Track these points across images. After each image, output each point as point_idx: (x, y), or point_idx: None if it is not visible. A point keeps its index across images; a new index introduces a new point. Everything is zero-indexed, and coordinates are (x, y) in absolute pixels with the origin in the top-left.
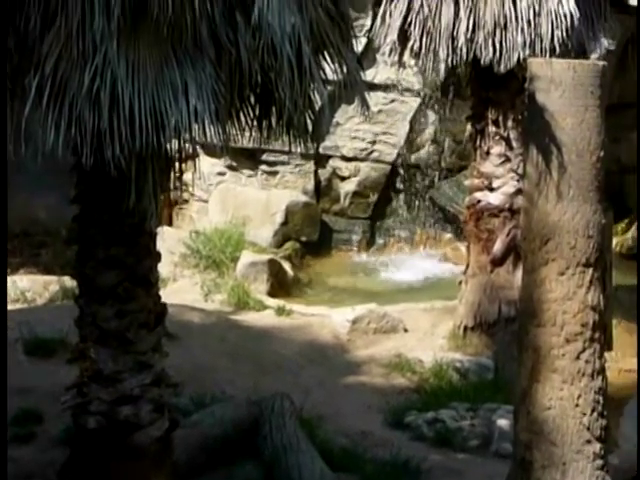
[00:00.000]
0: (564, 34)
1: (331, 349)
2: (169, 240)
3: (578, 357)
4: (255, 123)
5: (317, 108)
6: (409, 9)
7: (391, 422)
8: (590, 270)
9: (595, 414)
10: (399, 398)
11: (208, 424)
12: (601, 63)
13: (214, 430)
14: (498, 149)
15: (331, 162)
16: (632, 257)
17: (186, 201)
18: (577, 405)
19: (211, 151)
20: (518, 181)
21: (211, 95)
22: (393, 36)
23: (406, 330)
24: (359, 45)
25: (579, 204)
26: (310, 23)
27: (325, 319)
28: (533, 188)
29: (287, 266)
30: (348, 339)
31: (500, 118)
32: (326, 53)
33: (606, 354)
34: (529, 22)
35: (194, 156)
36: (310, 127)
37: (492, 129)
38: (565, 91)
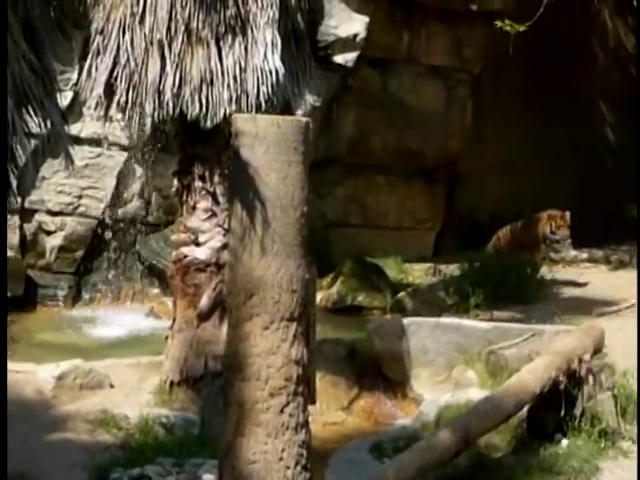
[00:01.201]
0: (270, 90)
1: (36, 406)
2: None
3: (282, 411)
4: None
5: (21, 162)
6: (115, 63)
7: (96, 479)
8: (294, 324)
9: (299, 467)
10: (104, 455)
11: None
12: (305, 119)
13: None
14: (204, 204)
15: (37, 216)
16: (337, 311)
17: None
18: (281, 459)
19: None
20: (224, 236)
21: None
22: (99, 90)
23: (112, 386)
24: (65, 99)
25: (283, 259)
26: (12, 76)
27: (30, 375)
28: (238, 243)
29: None
30: (53, 395)
31: (206, 173)
32: (29, 107)
33: (310, 407)
34: (235, 78)
35: None
36: (14, 181)
37: (198, 184)
38: (269, 147)
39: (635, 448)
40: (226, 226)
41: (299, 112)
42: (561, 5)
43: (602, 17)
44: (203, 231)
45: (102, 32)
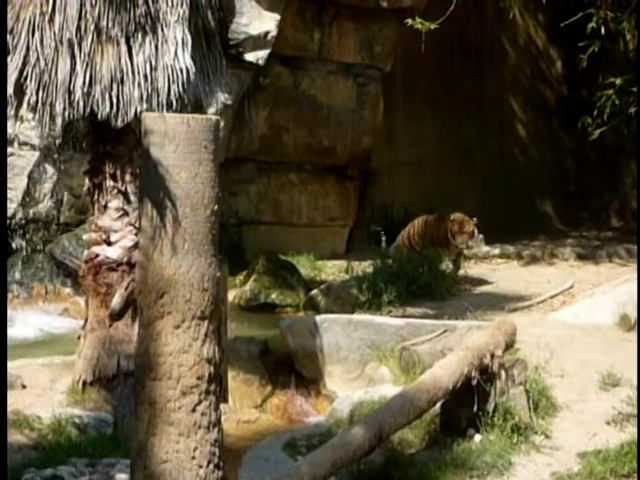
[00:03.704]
0: (180, 89)
1: None
2: None
3: (194, 409)
4: None
5: None
6: (25, 62)
7: None
8: (205, 323)
9: (211, 466)
10: (17, 456)
11: None
12: (214, 117)
13: None
14: (116, 203)
15: None
16: (250, 309)
17: None
18: (193, 457)
19: None
20: (136, 235)
21: None
22: (9, 90)
23: (24, 386)
24: None
25: (194, 257)
26: None
27: None
28: (148, 242)
29: None
30: None
31: (118, 172)
32: None
33: (223, 406)
34: (146, 76)
35: None
36: None
37: (110, 183)
38: (179, 145)
39: (547, 442)
40: (138, 225)
41: (210, 110)
42: (472, 3)
43: (512, 14)
44: (115, 230)
45: (12, 32)
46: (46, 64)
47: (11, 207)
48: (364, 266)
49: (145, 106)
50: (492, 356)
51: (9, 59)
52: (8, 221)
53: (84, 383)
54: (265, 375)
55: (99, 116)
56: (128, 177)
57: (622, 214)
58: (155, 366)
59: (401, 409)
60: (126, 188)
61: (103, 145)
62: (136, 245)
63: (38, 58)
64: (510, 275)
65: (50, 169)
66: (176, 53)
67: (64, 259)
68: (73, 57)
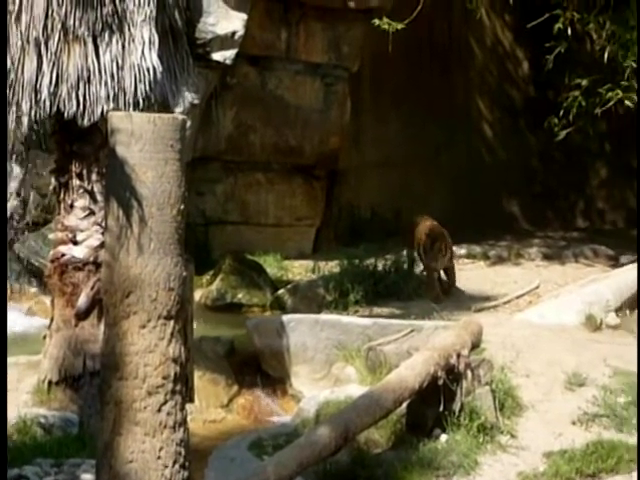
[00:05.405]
0: (147, 88)
1: None
2: None
3: (160, 409)
4: None
5: None
6: None
7: None
8: (171, 322)
9: (177, 466)
10: None
11: None
12: (181, 117)
13: None
14: (82, 202)
15: None
16: (216, 309)
17: None
18: (159, 457)
19: None
20: (102, 234)
21: None
22: None
23: None
24: None
25: (160, 257)
26: None
27: None
28: (114, 241)
29: None
30: None
31: (84, 171)
32: None
33: (189, 406)
34: (112, 76)
35: None
36: None
37: (76, 182)
38: (145, 144)
39: (513, 442)
40: (104, 224)
41: (177, 110)
42: (439, 3)
43: (479, 14)
44: (81, 230)
45: None
46: (12, 63)
47: None
48: (331, 266)
49: (112, 105)
50: (458, 356)
51: None
52: None
53: (50, 383)
54: (231, 375)
55: (66, 115)
56: (94, 176)
57: (588, 214)
58: (121, 366)
59: (367, 409)
60: (92, 187)
61: (69, 144)
62: (102, 244)
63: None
64: (476, 275)
65: (16, 168)
66: (143, 52)
67: (30, 258)
68: (40, 56)
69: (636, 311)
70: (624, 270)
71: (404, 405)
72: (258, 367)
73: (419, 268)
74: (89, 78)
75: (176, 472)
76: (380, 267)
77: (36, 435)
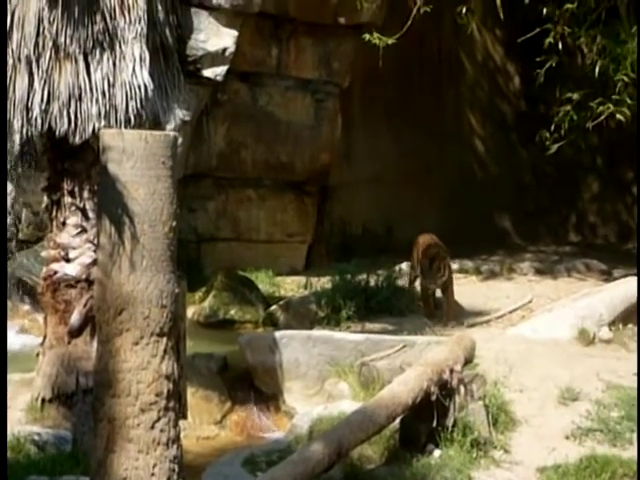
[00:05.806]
0: (139, 105)
1: None
2: None
3: (153, 426)
4: None
5: None
6: None
7: None
8: (164, 339)
9: None
10: None
11: None
12: (172, 134)
13: None
14: (74, 220)
15: None
16: (209, 325)
17: None
18: (153, 474)
19: None
20: (95, 252)
21: None
22: None
23: None
24: None
25: (152, 274)
26: None
27: None
28: (107, 259)
29: None
30: None
31: (76, 189)
32: None
33: (182, 422)
34: (104, 93)
35: None
36: None
37: (68, 200)
38: (137, 162)
39: (507, 457)
40: (96, 242)
41: (169, 127)
42: (429, 18)
43: (470, 29)
44: (73, 247)
45: None
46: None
47: None
48: (323, 282)
49: (103, 123)
50: (451, 371)
51: None
52: None
53: (43, 400)
54: (224, 391)
55: (57, 133)
56: (86, 194)
57: (580, 229)
58: (114, 383)
59: (360, 425)
60: (84, 205)
61: (61, 162)
62: (95, 262)
63: None
64: (469, 290)
65: (8, 186)
66: (134, 70)
67: (22, 276)
68: (31, 74)
69: (629, 325)
70: (617, 284)
71: (397, 421)
72: (251, 383)
73: (415, 283)
74: (80, 96)
75: None
76: (372, 283)
77: (30, 453)
